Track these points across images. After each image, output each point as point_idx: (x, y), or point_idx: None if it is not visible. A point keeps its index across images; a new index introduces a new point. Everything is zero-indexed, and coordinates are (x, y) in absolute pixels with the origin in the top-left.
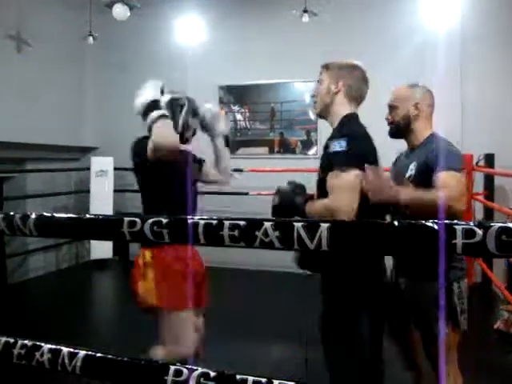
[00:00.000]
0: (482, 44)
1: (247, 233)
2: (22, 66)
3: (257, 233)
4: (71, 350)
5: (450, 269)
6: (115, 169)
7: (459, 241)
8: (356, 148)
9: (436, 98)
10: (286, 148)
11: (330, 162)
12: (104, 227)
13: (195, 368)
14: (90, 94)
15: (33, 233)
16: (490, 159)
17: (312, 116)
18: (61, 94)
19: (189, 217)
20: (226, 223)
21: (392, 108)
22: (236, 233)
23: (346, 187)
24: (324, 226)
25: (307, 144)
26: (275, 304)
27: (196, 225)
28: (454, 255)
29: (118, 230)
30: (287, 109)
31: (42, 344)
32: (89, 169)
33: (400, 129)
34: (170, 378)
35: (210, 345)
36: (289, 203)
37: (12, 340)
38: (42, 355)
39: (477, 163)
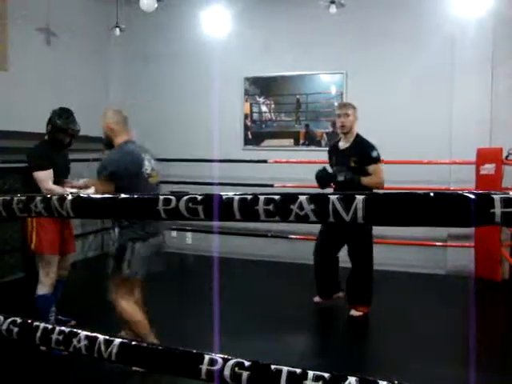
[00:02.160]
0: None
1: (282, 207)
2: (51, 58)
3: (292, 206)
4: (107, 337)
5: (128, 232)
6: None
7: (498, 210)
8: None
9: (465, 90)
10: (311, 140)
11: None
12: (140, 206)
13: (229, 357)
14: (115, 85)
15: (70, 214)
16: None
17: None
18: (87, 85)
19: (223, 193)
20: (261, 198)
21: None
22: (271, 207)
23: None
24: (359, 198)
25: (333, 136)
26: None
27: (231, 200)
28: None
29: (154, 208)
30: (313, 101)
31: (79, 331)
32: None
33: (107, 143)
34: (204, 366)
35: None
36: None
37: (50, 326)
38: (79, 341)
39: (506, 157)
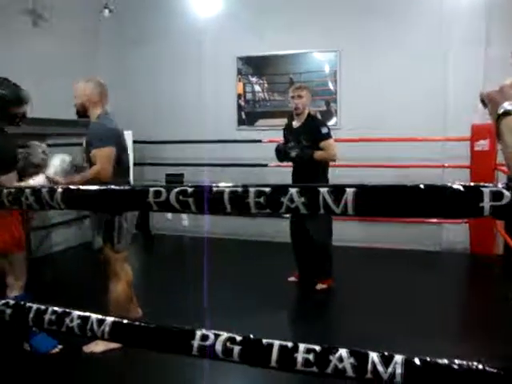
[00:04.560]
0: (509, 8)
1: (273, 199)
2: (39, 40)
3: (282, 199)
4: (99, 316)
5: None
6: (134, 142)
7: (487, 203)
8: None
9: (459, 66)
10: None
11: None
12: (130, 198)
13: (221, 333)
14: (106, 67)
15: (60, 206)
16: None
17: (332, 87)
18: (76, 67)
19: (214, 185)
20: (252, 190)
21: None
22: (262, 200)
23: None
24: (350, 190)
25: (327, 114)
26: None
27: (221, 193)
28: None
29: (144, 200)
30: (306, 79)
31: (72, 311)
32: None
33: (80, 112)
34: (196, 342)
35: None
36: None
37: (43, 307)
38: (71, 321)
39: None
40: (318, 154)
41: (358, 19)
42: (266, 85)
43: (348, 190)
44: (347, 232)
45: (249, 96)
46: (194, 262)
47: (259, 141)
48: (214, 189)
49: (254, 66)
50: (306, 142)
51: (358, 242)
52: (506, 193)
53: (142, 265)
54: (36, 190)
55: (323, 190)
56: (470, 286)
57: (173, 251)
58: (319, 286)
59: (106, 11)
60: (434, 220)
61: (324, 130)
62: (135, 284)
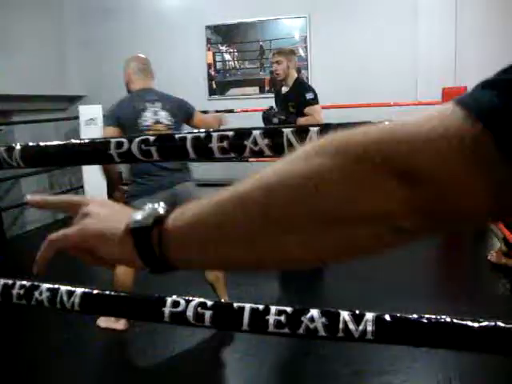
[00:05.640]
0: None
1: (236, 143)
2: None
3: (246, 142)
4: (69, 288)
5: (130, 189)
6: (104, 116)
7: None
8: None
9: (430, 29)
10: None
11: None
12: (91, 151)
13: (192, 298)
14: (72, 40)
15: (20, 164)
16: None
17: (302, 53)
18: (42, 42)
19: (176, 132)
20: (214, 135)
21: None
22: (225, 144)
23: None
24: (313, 129)
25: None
26: None
27: (184, 139)
28: None
29: (106, 152)
30: (276, 46)
31: (40, 284)
32: (77, 118)
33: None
34: (167, 309)
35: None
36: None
37: (11, 281)
38: (40, 294)
39: None
40: (301, 121)
41: None
42: (236, 53)
43: (312, 129)
44: None
45: (219, 65)
46: None
47: (232, 110)
48: (177, 136)
49: (223, 34)
50: (293, 108)
51: None
52: None
53: None
54: None
55: (287, 131)
56: (444, 246)
57: None
58: None
59: None
60: None
61: (309, 96)
62: None
